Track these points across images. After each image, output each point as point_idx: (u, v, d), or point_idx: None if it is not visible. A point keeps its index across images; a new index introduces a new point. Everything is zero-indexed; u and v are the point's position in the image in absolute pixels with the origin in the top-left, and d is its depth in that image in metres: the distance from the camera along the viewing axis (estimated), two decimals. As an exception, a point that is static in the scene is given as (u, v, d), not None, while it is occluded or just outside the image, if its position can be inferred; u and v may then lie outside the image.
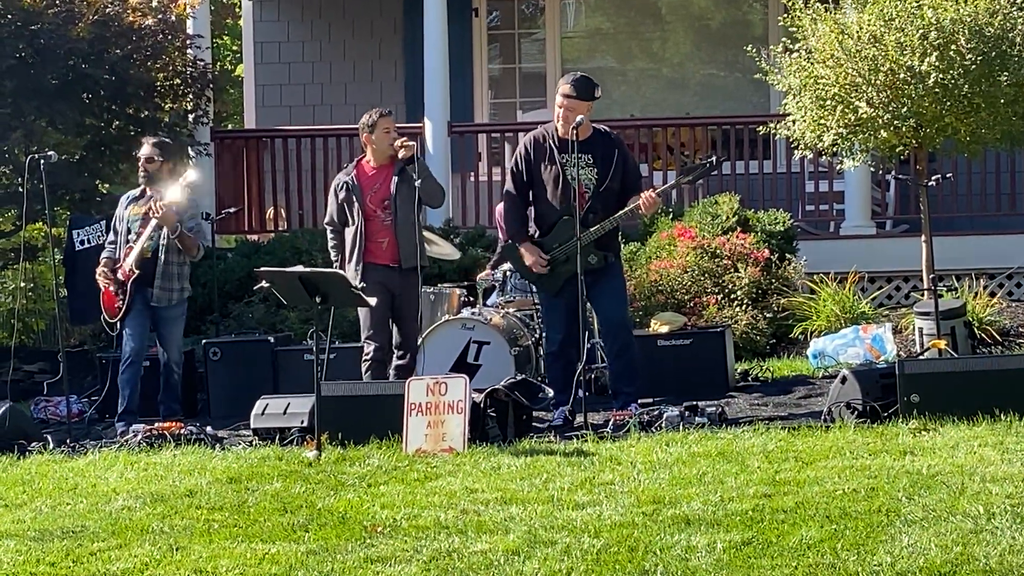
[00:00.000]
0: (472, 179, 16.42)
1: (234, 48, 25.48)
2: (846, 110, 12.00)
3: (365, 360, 10.93)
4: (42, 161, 11.08)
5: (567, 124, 10.44)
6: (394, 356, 11.00)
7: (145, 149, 11.78)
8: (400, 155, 11.00)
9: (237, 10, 24.26)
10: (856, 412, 9.62)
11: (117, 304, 11.47)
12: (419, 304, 11.05)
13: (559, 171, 10.52)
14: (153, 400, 11.62)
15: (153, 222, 11.38)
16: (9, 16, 14.10)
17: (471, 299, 12.54)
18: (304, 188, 16.42)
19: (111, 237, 11.82)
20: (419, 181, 10.83)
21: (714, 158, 10.89)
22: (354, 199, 11.03)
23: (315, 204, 16.23)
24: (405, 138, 11.27)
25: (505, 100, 18.47)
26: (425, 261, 11.20)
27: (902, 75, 11.77)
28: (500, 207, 12.75)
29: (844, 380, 9.85)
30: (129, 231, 11.57)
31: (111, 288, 11.49)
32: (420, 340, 11.36)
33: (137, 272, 11.38)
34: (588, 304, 10.90)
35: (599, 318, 11.03)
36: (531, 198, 10.77)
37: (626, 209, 10.48)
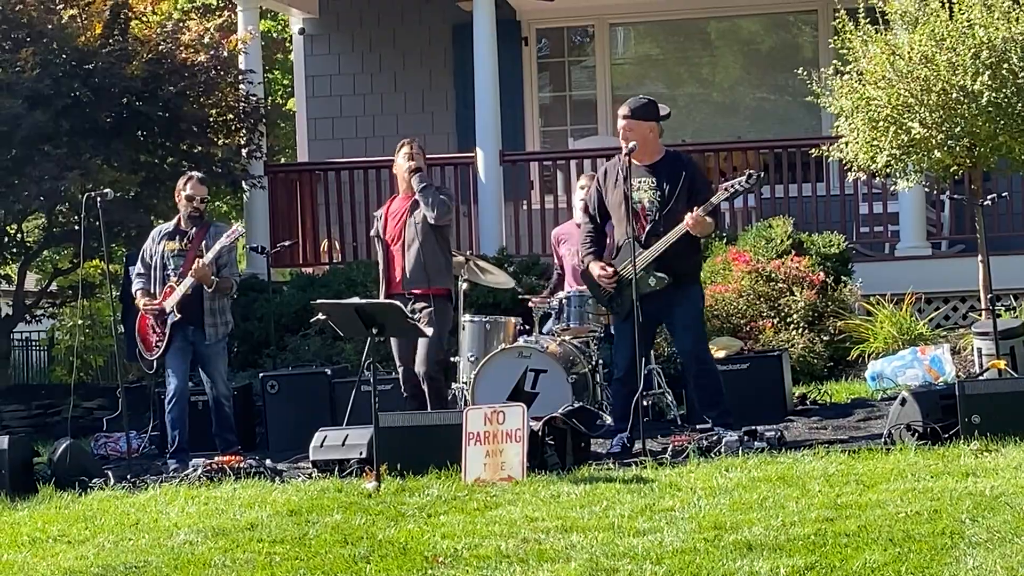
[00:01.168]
0: (524, 207, 16.45)
1: (285, 82, 25.65)
2: (899, 131, 11.96)
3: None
4: (99, 199, 11.18)
5: (627, 142, 10.44)
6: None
7: (196, 187, 11.73)
8: (406, 168, 11.07)
9: (288, 44, 24.43)
10: (916, 434, 9.56)
11: (154, 340, 11.51)
12: (439, 326, 10.96)
13: (623, 196, 10.51)
14: (209, 435, 11.65)
15: (191, 278, 11.37)
16: (64, 55, 14.25)
17: (527, 327, 12.52)
18: (358, 220, 16.47)
19: (139, 268, 11.75)
20: (419, 191, 10.88)
21: (753, 173, 10.79)
22: (378, 230, 11.18)
23: (368, 236, 16.26)
24: (413, 162, 11.27)
25: (556, 128, 18.51)
26: (446, 283, 11.14)
27: (954, 95, 11.73)
28: (554, 232, 12.78)
29: (904, 402, 9.79)
30: (165, 267, 11.58)
31: (151, 320, 11.50)
32: (477, 370, 11.39)
33: (179, 316, 11.43)
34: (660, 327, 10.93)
35: (676, 347, 11.02)
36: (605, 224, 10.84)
37: (675, 231, 10.44)
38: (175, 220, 11.81)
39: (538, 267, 14.75)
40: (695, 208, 10.37)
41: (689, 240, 10.48)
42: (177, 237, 11.66)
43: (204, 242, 11.54)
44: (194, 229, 11.63)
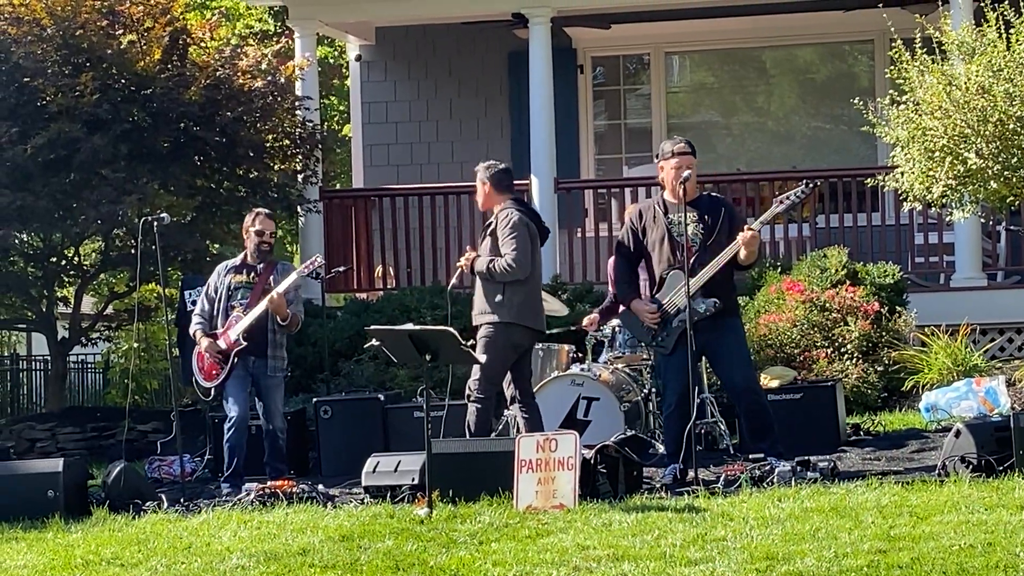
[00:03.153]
0: (579, 235, 16.46)
1: (341, 108, 25.77)
2: (955, 161, 11.90)
3: None
4: (155, 223, 11.27)
5: (677, 178, 10.45)
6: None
7: (264, 223, 11.77)
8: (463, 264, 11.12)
9: (344, 71, 24.55)
10: (971, 466, 9.50)
11: (216, 372, 11.58)
12: (482, 356, 10.82)
13: (665, 231, 10.56)
14: (261, 461, 11.69)
15: (264, 305, 11.43)
16: (123, 80, 14.38)
17: (580, 355, 12.54)
18: (412, 246, 16.53)
19: (201, 305, 11.80)
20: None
21: (805, 184, 10.84)
22: None
23: (423, 262, 16.35)
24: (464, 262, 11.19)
25: (611, 156, 18.53)
26: (482, 319, 10.98)
27: (1011, 125, 11.66)
28: (612, 261, 12.77)
29: (958, 434, 9.74)
30: (230, 298, 11.64)
31: (214, 359, 11.57)
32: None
33: (244, 344, 11.50)
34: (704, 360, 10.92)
35: (722, 382, 11.00)
36: (642, 264, 10.81)
37: (728, 250, 10.45)
38: (241, 256, 11.87)
39: (592, 295, 14.75)
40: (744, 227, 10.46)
41: (729, 274, 10.56)
42: (245, 271, 11.74)
43: (272, 277, 11.62)
44: (261, 264, 11.72)
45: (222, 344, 11.52)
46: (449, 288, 11.94)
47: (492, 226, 10.95)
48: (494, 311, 10.81)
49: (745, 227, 10.47)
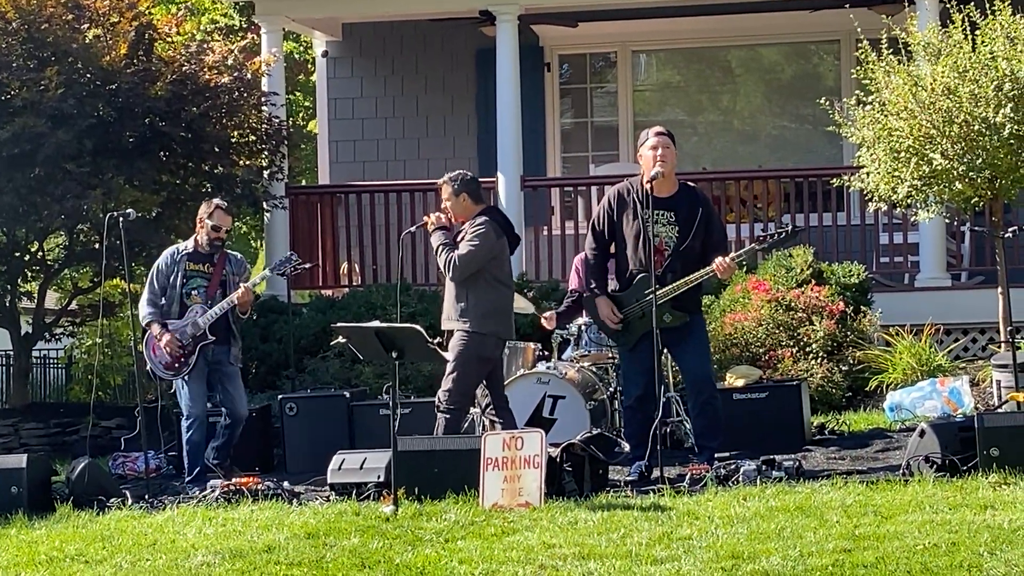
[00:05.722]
0: (545, 233, 16.47)
1: (306, 104, 25.74)
2: (920, 162, 11.97)
3: None
4: (121, 219, 11.22)
5: (665, 164, 10.40)
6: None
7: (221, 218, 11.66)
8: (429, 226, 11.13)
9: (309, 67, 24.52)
10: (935, 466, 9.55)
11: (177, 364, 11.47)
12: (452, 360, 10.81)
13: (640, 227, 10.47)
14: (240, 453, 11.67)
15: (234, 298, 11.38)
16: (89, 75, 14.29)
17: (546, 353, 12.54)
18: (378, 243, 16.52)
19: (152, 294, 11.56)
20: (436, 252, 10.97)
21: (790, 227, 10.79)
22: None
23: (389, 259, 16.33)
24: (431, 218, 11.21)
25: (577, 154, 18.54)
26: (451, 324, 10.91)
27: (977, 127, 11.73)
28: (577, 258, 12.75)
29: (923, 434, 9.78)
30: (185, 287, 11.51)
31: (174, 351, 11.45)
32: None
33: (211, 338, 11.45)
34: (666, 357, 10.90)
35: (683, 373, 10.99)
36: (612, 251, 10.75)
37: (700, 272, 10.41)
38: (192, 243, 11.74)
39: (558, 292, 14.75)
40: (720, 250, 10.43)
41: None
42: (200, 260, 11.63)
43: (226, 267, 11.60)
44: (215, 255, 11.67)
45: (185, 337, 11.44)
46: (404, 233, 12.34)
47: (463, 233, 10.90)
48: (462, 317, 10.75)
49: (722, 258, 10.34)
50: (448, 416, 10.73)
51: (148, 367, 11.65)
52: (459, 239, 10.87)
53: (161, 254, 11.86)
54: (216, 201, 11.94)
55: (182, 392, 11.56)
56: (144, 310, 11.60)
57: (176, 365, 11.47)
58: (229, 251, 11.95)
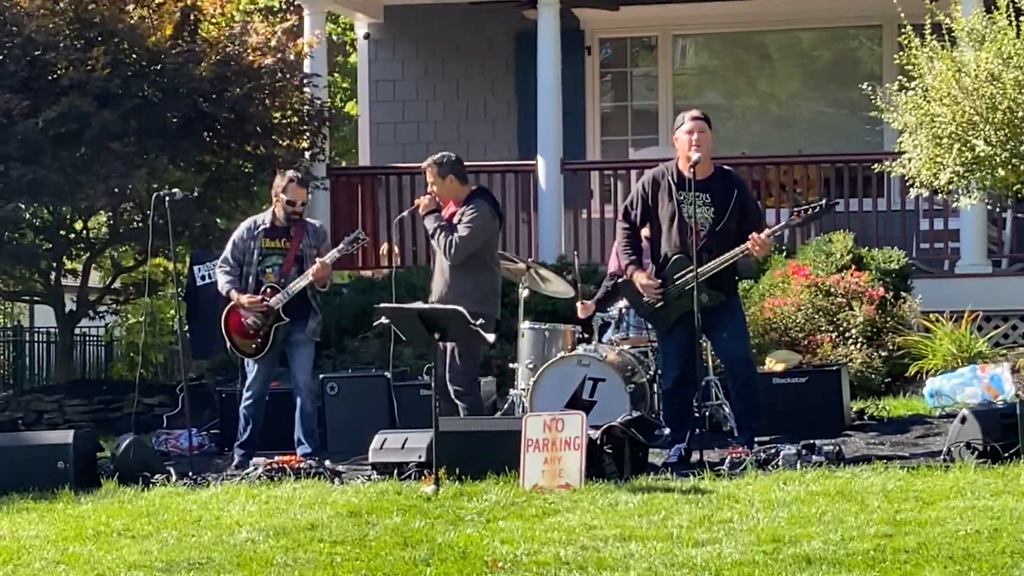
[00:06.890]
0: (584, 216, 16.50)
1: (344, 85, 25.76)
2: (963, 148, 11.94)
3: None
4: (167, 199, 11.27)
5: (699, 148, 10.41)
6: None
7: (295, 192, 11.55)
8: (420, 210, 11.33)
9: (349, 48, 24.54)
10: (976, 452, 9.55)
11: (255, 342, 11.45)
12: (459, 345, 10.96)
13: (675, 209, 10.49)
14: (278, 434, 11.71)
15: (310, 276, 11.36)
16: (134, 55, 14.41)
17: (586, 336, 12.57)
18: (418, 225, 16.50)
19: (227, 263, 11.51)
20: (431, 236, 11.22)
21: (824, 201, 10.79)
22: None
23: (428, 241, 16.33)
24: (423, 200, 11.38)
25: (617, 137, 18.56)
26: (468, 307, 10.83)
27: (1021, 113, 11.70)
28: (617, 242, 12.75)
29: (964, 420, 9.79)
30: (261, 263, 11.48)
31: (254, 320, 11.39)
32: (536, 377, 11.49)
33: (286, 319, 11.41)
34: (705, 342, 10.92)
35: (720, 355, 11.02)
36: (646, 234, 10.79)
37: (736, 250, 10.44)
38: (269, 216, 11.64)
39: (596, 276, 14.76)
40: (757, 231, 10.41)
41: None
42: (276, 236, 11.54)
43: (303, 240, 11.54)
44: (292, 227, 11.61)
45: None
46: (396, 219, 12.34)
47: (460, 214, 11.04)
48: (461, 299, 10.74)
49: (757, 234, 10.39)
50: (471, 398, 10.94)
51: (227, 345, 11.61)
52: (457, 221, 11.00)
53: (211, 239, 11.86)
54: (290, 174, 11.87)
55: (249, 366, 11.62)
56: (222, 279, 11.56)
57: (256, 336, 11.43)
58: (308, 220, 11.85)
